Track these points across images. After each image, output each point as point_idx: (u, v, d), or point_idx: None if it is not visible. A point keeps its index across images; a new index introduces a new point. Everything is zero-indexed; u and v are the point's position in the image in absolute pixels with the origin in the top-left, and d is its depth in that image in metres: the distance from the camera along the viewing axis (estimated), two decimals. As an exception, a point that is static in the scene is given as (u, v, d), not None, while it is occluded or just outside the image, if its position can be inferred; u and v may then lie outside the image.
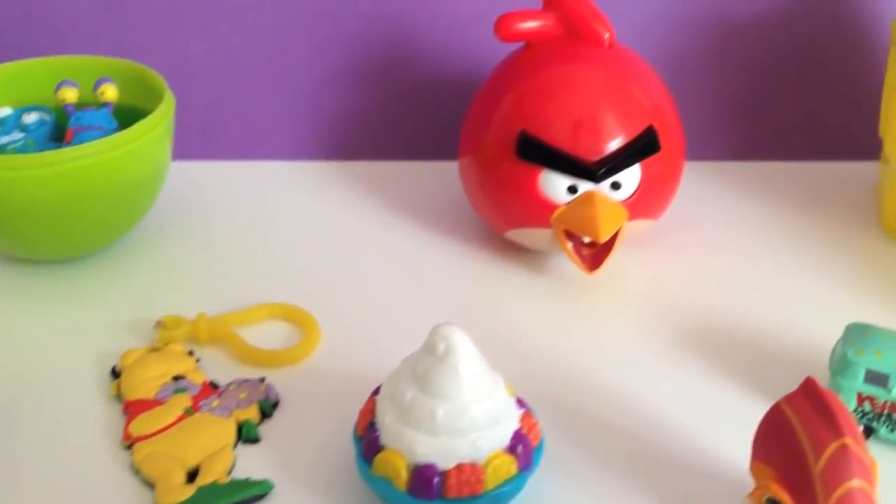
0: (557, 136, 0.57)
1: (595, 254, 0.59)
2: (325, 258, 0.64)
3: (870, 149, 0.70)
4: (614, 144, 0.57)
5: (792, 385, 0.43)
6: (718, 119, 0.75)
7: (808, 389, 0.40)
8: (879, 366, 0.47)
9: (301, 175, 0.74)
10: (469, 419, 0.42)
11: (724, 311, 0.59)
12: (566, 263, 0.62)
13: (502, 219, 0.61)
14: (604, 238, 0.57)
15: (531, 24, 0.60)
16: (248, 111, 0.75)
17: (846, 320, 0.52)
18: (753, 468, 0.41)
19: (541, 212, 0.58)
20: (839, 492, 0.38)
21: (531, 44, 0.61)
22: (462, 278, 0.62)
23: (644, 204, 0.59)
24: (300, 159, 0.76)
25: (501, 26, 0.60)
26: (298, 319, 0.57)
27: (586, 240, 0.59)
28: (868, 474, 0.39)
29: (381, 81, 0.74)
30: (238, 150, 0.76)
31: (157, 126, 0.59)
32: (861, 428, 0.48)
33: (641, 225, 0.61)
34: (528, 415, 0.45)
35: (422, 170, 0.73)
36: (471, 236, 0.66)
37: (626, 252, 0.63)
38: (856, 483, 0.38)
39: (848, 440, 0.38)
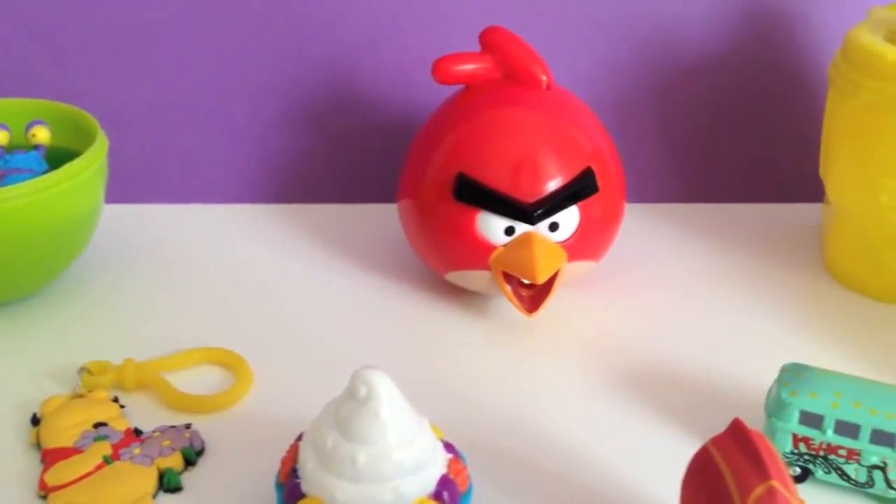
0: (495, 177, 0.57)
1: (534, 295, 0.59)
2: (262, 302, 0.63)
3: (813, 191, 0.71)
4: (552, 185, 0.57)
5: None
6: (663, 162, 0.75)
7: (736, 431, 0.39)
8: (814, 407, 0.46)
9: (241, 218, 0.73)
10: (392, 465, 0.40)
11: (664, 353, 0.58)
12: (507, 305, 0.61)
13: (441, 261, 0.61)
14: (541, 279, 0.56)
15: (468, 67, 0.60)
16: (190, 155, 0.75)
17: (787, 361, 0.51)
18: (681, 513, 0.40)
19: (479, 254, 0.58)
20: (766, 535, 0.37)
21: (469, 86, 0.61)
22: (401, 321, 0.61)
23: (583, 245, 0.59)
24: (241, 202, 0.75)
25: (439, 69, 0.60)
26: (230, 364, 0.56)
27: (525, 281, 0.59)
28: (796, 518, 0.38)
29: (323, 125, 0.73)
30: (181, 194, 0.75)
31: (88, 168, 0.58)
32: (797, 470, 0.48)
33: (582, 266, 0.60)
34: (455, 459, 0.44)
35: (363, 213, 0.72)
36: (411, 279, 0.65)
37: (567, 294, 0.62)
38: (784, 526, 0.37)
39: (775, 483, 0.37)
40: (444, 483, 0.42)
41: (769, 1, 0.71)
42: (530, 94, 0.60)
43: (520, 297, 0.59)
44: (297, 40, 0.71)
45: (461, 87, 0.62)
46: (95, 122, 0.62)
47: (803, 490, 0.46)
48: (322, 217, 0.72)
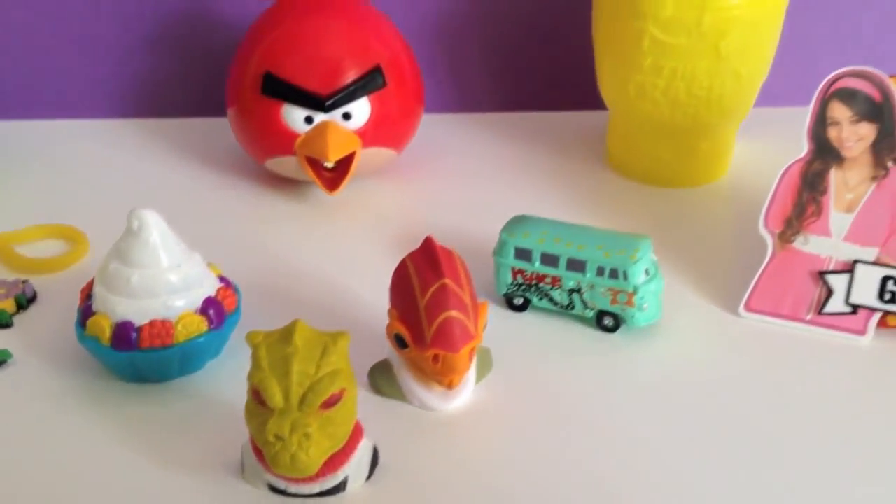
0: (295, 74, 0.66)
1: (335, 177, 0.69)
2: (109, 195, 0.72)
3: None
4: (343, 80, 0.66)
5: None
6: (481, 76, 0.85)
7: (426, 246, 0.50)
8: (525, 244, 0.57)
9: (104, 131, 0.82)
10: (161, 283, 0.50)
11: (446, 226, 0.67)
12: (318, 187, 0.71)
13: (258, 150, 0.70)
14: (333, 159, 0.66)
15: (279, -18, 0.70)
16: (60, 74, 0.84)
17: None
18: (389, 313, 0.50)
19: (285, 141, 0.68)
20: (439, 319, 0.47)
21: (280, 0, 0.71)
22: (228, 203, 0.71)
23: (377, 133, 0.68)
24: (106, 117, 0.84)
25: (252, -17, 0.70)
26: (70, 237, 0.65)
27: (327, 164, 0.68)
28: (465, 308, 0.48)
29: (180, 46, 0.83)
30: (52, 110, 0.84)
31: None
32: (520, 300, 0.57)
33: (381, 153, 0.70)
34: (226, 288, 0.54)
35: (217, 124, 0.81)
36: (240, 171, 0.75)
37: (373, 179, 0.73)
38: (453, 313, 0.47)
39: (447, 281, 0.48)
40: (209, 302, 0.52)
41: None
42: (330, 4, 0.69)
43: (323, 178, 0.69)
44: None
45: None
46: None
47: (525, 317, 0.58)
48: (177, 129, 0.82)
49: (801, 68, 0.83)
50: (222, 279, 0.55)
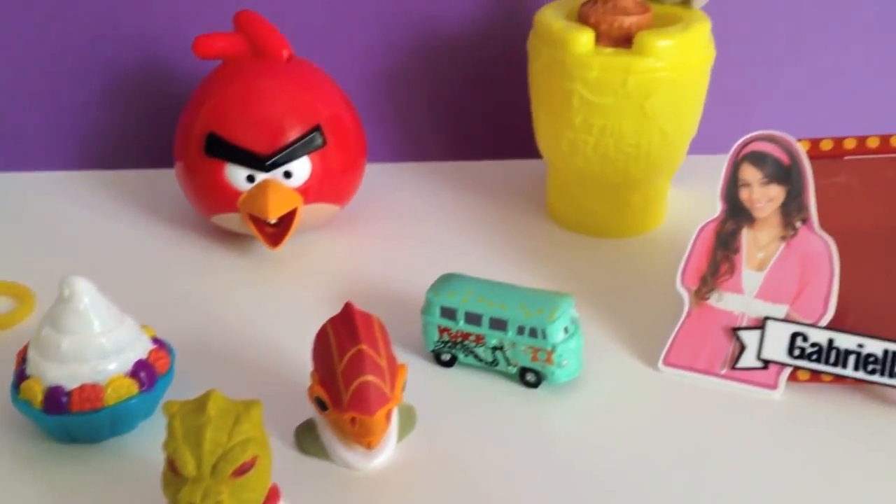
0: (237, 135, 0.69)
1: (277, 232, 0.71)
2: (60, 250, 0.74)
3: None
4: (284, 140, 0.69)
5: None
6: (427, 126, 0.88)
7: (345, 312, 0.52)
8: (450, 302, 0.59)
9: (60, 182, 0.84)
10: (91, 349, 0.52)
11: (387, 281, 0.70)
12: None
13: (203, 207, 0.73)
14: (273, 217, 0.68)
15: (222, 44, 0.72)
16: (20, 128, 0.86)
17: None
18: (311, 375, 0.52)
19: (228, 199, 0.70)
20: (355, 384, 0.49)
21: (226, 60, 0.73)
22: (176, 258, 0.73)
23: (319, 190, 0.71)
24: (63, 169, 0.86)
25: (197, 46, 0.72)
26: (17, 294, 0.67)
27: (271, 220, 0.70)
28: (381, 372, 0.50)
29: (134, 99, 0.85)
30: (9, 163, 0.86)
31: None
32: (448, 357, 0.59)
33: (325, 209, 0.73)
34: (158, 350, 0.56)
35: (166, 176, 0.83)
36: (186, 224, 0.77)
37: (318, 233, 0.75)
38: (369, 378, 0.49)
39: (364, 346, 0.50)
40: (141, 364, 0.54)
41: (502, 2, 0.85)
42: (272, 65, 0.72)
43: (266, 234, 0.71)
44: (111, 25, 0.83)
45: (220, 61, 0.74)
46: None
47: (453, 373, 0.60)
48: (132, 181, 0.84)
49: (737, 116, 0.87)
50: (156, 340, 0.57)
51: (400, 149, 0.89)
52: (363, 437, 0.50)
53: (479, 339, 0.59)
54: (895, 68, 0.87)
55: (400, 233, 0.77)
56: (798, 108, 0.88)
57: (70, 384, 0.52)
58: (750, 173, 0.59)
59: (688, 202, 0.79)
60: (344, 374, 0.50)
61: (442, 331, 0.60)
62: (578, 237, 0.76)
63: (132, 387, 0.53)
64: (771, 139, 0.58)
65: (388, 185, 0.84)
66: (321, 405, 0.51)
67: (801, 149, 0.58)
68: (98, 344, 0.52)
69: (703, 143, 0.77)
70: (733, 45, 0.84)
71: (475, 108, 0.88)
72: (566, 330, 0.57)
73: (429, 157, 0.89)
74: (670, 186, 0.78)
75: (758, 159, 0.58)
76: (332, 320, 0.52)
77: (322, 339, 0.52)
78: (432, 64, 0.86)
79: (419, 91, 0.88)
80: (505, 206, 0.81)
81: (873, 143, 0.57)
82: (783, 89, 0.88)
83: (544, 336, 0.57)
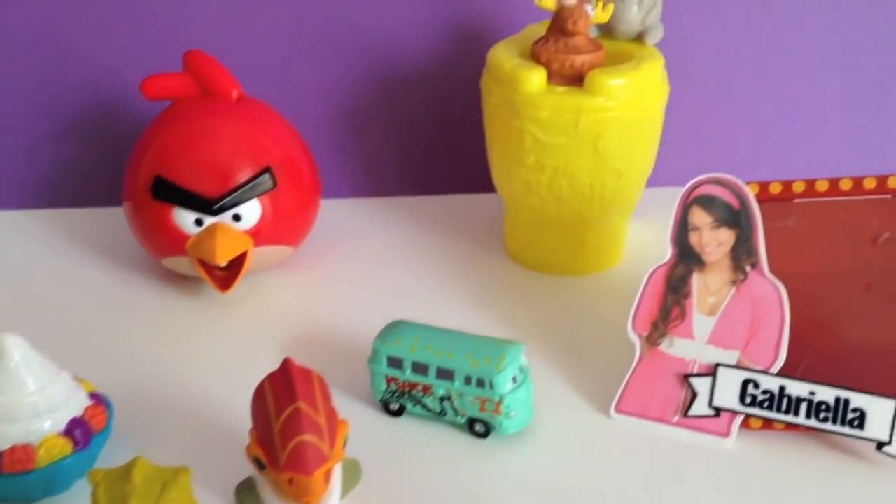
0: (184, 178, 0.67)
1: (227, 276, 0.69)
2: (6, 291, 0.72)
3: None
4: (232, 183, 0.67)
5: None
6: (387, 162, 0.87)
7: (283, 368, 0.50)
8: (396, 352, 0.58)
9: (14, 221, 0.83)
10: (23, 408, 0.51)
11: (337, 323, 0.68)
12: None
13: (153, 250, 0.71)
14: (220, 261, 0.67)
15: (170, 84, 0.71)
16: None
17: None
18: (250, 434, 0.51)
19: (177, 242, 0.68)
20: (292, 444, 0.48)
21: (175, 101, 0.72)
22: (125, 300, 0.72)
23: (270, 233, 0.70)
24: (8, 209, 0.85)
25: (145, 87, 0.71)
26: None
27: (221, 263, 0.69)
28: (319, 431, 0.49)
29: (87, 137, 0.84)
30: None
31: None
32: (396, 406, 0.58)
33: (278, 251, 0.71)
34: (96, 406, 0.54)
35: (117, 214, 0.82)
36: (140, 266, 0.75)
37: (271, 274, 0.73)
38: (306, 437, 0.48)
39: (301, 404, 0.49)
40: (75, 423, 0.52)
41: (462, 36, 0.83)
42: (221, 105, 0.70)
43: (215, 278, 0.69)
44: (62, 63, 0.82)
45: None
46: None
47: (401, 423, 0.59)
48: (87, 218, 0.83)
49: (700, 147, 0.87)
50: (93, 395, 0.55)
51: (358, 184, 0.88)
52: (302, 497, 0.49)
53: (427, 390, 0.57)
54: (856, 99, 0.87)
55: (355, 273, 0.76)
56: (760, 139, 0.88)
57: (1, 445, 0.50)
58: (699, 217, 0.58)
59: (649, 236, 0.78)
60: (281, 434, 0.48)
61: (389, 380, 0.58)
62: (535, 276, 0.75)
63: (66, 446, 0.52)
64: (719, 182, 0.57)
65: (345, 221, 0.83)
66: (259, 465, 0.50)
67: (750, 192, 0.57)
68: (30, 403, 0.51)
69: (666, 175, 0.76)
70: (693, 77, 0.84)
71: (435, 143, 0.87)
72: (514, 379, 0.56)
73: (388, 193, 0.88)
74: (631, 220, 0.78)
75: (707, 203, 0.58)
76: (270, 376, 0.51)
77: (259, 396, 0.51)
78: (391, 98, 0.86)
79: (379, 126, 0.87)
80: (463, 242, 0.80)
81: (822, 186, 0.57)
82: (745, 121, 0.87)
83: (491, 386, 0.55)
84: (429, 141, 0.87)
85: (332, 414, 0.51)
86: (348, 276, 0.75)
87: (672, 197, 0.77)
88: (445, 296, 0.72)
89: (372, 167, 0.88)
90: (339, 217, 0.83)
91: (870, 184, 0.56)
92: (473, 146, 0.85)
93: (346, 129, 0.87)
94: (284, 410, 0.49)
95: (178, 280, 0.74)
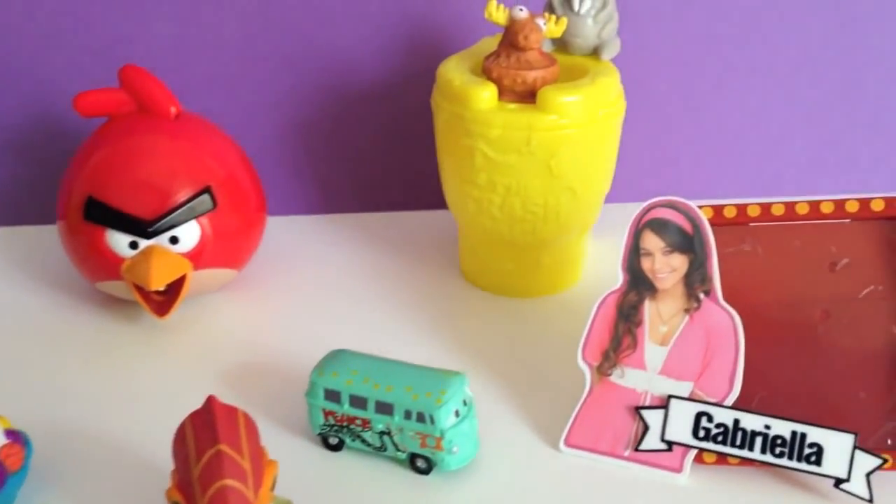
0: (118, 198, 0.64)
1: (165, 300, 0.66)
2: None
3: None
4: (170, 204, 0.64)
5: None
6: (340, 178, 0.84)
7: (206, 407, 0.47)
8: (334, 384, 0.55)
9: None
10: (-71, 450, 0.48)
11: (280, 350, 0.65)
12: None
13: (86, 273, 0.68)
14: (155, 286, 0.64)
15: (105, 100, 0.68)
16: None
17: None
18: (171, 476, 0.48)
19: (111, 266, 0.65)
20: (212, 489, 0.45)
21: (111, 118, 0.69)
22: (59, 326, 0.68)
23: (210, 255, 0.66)
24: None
25: (79, 103, 0.67)
26: None
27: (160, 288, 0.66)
28: (243, 475, 0.46)
29: (30, 153, 0.81)
30: None
31: None
32: (336, 440, 0.55)
33: (218, 274, 0.68)
34: (11, 444, 0.51)
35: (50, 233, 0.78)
36: (78, 285, 0.72)
37: (212, 298, 0.70)
38: (228, 482, 0.45)
39: (223, 447, 0.46)
40: (-12, 463, 0.49)
41: (416, 49, 0.80)
42: (158, 123, 0.67)
43: (152, 303, 0.66)
44: (8, 81, 0.79)
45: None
46: None
47: (341, 458, 0.56)
48: (20, 237, 0.79)
49: (663, 160, 0.84)
50: (10, 433, 0.52)
51: (310, 201, 0.85)
52: (225, 544, 0.46)
53: (366, 424, 0.54)
54: (820, 116, 0.85)
55: (302, 296, 0.73)
56: (722, 155, 0.86)
57: None
58: (651, 242, 0.55)
59: (609, 254, 0.74)
60: (201, 478, 0.45)
61: (327, 414, 0.55)
62: (489, 297, 0.72)
63: (-23, 488, 0.49)
64: (672, 206, 0.55)
65: (295, 239, 0.80)
66: (179, 509, 0.47)
67: (704, 216, 0.55)
68: (-64, 444, 0.49)
69: (629, 192, 0.74)
70: (651, 92, 0.82)
71: (388, 159, 0.84)
72: (457, 413, 0.53)
73: (340, 209, 0.85)
74: (591, 237, 0.75)
75: (659, 227, 0.55)
76: (192, 416, 0.48)
77: (181, 437, 0.47)
78: (343, 112, 0.83)
79: (331, 141, 0.84)
80: (417, 262, 0.77)
81: (778, 210, 0.54)
82: (706, 137, 0.84)
83: (432, 421, 0.52)
84: (383, 156, 0.84)
85: (258, 455, 0.48)
86: (294, 299, 0.72)
87: (634, 213, 0.76)
88: (396, 320, 0.70)
89: (323, 183, 0.85)
90: (289, 235, 0.80)
91: (827, 208, 0.54)
92: (429, 163, 0.83)
93: (297, 144, 0.84)
94: (205, 453, 0.45)
95: (115, 304, 0.70)
